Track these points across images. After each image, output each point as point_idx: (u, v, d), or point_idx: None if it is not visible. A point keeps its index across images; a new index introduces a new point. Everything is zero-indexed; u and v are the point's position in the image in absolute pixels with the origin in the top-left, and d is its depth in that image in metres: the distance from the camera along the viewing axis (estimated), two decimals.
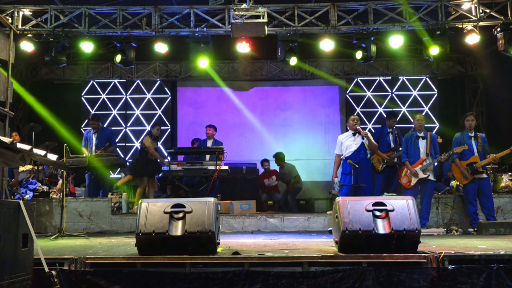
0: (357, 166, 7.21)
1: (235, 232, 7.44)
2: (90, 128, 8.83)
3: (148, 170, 8.75)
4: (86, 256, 3.86)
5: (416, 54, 11.55)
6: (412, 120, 11.82)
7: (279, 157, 10.48)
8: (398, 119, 8.43)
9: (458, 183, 8.66)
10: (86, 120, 12.10)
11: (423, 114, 12.05)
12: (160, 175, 9.91)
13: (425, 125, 7.68)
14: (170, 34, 9.20)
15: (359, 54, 9.09)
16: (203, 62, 9.34)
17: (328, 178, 9.27)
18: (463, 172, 7.18)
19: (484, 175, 7.18)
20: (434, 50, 8.90)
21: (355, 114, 12.13)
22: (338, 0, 9.13)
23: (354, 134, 7.57)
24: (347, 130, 8.10)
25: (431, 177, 7.30)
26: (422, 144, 7.36)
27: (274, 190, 10.36)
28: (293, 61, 9.26)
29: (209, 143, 9.01)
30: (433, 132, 7.93)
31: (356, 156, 7.41)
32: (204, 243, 3.86)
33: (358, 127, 7.44)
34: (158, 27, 9.09)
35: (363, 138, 7.47)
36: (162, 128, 12.12)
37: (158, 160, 8.83)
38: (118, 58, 9.17)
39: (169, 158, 8.45)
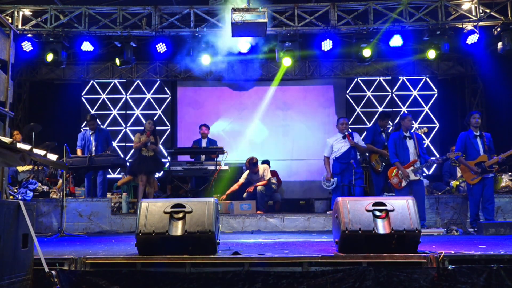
0: (354, 166, 7.35)
1: (235, 232, 7.44)
2: (87, 129, 8.82)
3: (143, 167, 8.48)
4: (86, 256, 3.86)
5: (416, 54, 11.54)
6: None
7: (254, 162, 9.17)
8: (390, 120, 8.42)
9: (458, 183, 8.67)
10: (85, 122, 12.14)
11: (423, 114, 12.10)
12: (161, 173, 9.90)
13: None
14: (170, 34, 9.21)
15: (366, 52, 9.07)
16: (206, 59, 9.35)
17: None
18: (473, 168, 7.08)
19: (491, 174, 7.16)
20: (432, 54, 8.99)
21: (355, 114, 12.17)
22: (338, 0, 9.14)
23: (344, 137, 7.70)
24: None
25: (422, 178, 7.33)
26: (411, 144, 7.33)
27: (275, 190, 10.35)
28: (287, 61, 9.32)
29: (204, 143, 8.99)
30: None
31: (347, 157, 7.60)
32: (204, 243, 3.86)
33: (347, 132, 7.59)
34: (158, 27, 9.09)
35: (353, 139, 7.61)
36: (162, 128, 12.19)
37: (159, 156, 8.69)
38: (118, 62, 9.23)
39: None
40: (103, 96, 12.31)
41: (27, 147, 3.65)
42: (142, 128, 12.02)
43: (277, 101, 12.24)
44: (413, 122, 7.53)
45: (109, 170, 10.82)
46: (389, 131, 8.62)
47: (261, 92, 12.28)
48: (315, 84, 12.30)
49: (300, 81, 12.26)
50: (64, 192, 6.92)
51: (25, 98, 11.94)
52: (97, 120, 9.27)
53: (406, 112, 11.81)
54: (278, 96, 12.25)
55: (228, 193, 8.95)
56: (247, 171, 9.25)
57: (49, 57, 9.02)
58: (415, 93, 12.26)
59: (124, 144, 12.11)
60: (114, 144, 11.56)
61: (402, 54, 10.62)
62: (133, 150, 8.69)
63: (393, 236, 3.85)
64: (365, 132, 11.08)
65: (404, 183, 7.25)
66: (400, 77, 12.23)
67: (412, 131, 7.58)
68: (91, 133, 8.69)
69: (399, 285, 3.66)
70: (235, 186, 9.12)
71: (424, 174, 7.98)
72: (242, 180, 9.20)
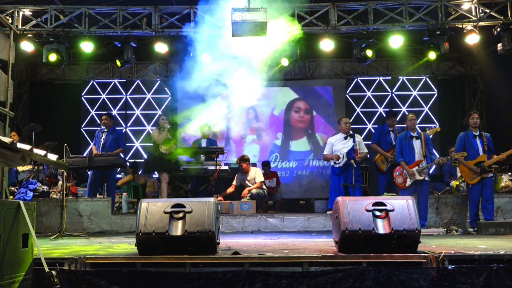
0: (354, 165, 7.35)
1: (235, 232, 7.43)
2: (101, 127, 8.77)
3: (165, 165, 8.13)
4: (86, 256, 3.86)
5: (416, 54, 11.56)
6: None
7: (245, 159, 9.21)
8: (398, 119, 8.41)
9: (458, 183, 8.67)
10: (88, 118, 12.15)
11: (423, 114, 12.10)
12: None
13: (425, 125, 7.70)
14: (170, 34, 9.21)
15: (367, 52, 9.08)
16: (206, 58, 9.37)
17: (328, 178, 9.30)
18: (472, 168, 7.09)
19: (490, 174, 7.16)
20: (432, 55, 9.03)
21: (355, 114, 12.18)
22: (338, 0, 9.14)
23: (345, 138, 7.70)
24: None
25: (427, 178, 7.32)
26: (417, 144, 7.33)
27: (274, 191, 10.37)
28: (285, 61, 9.38)
29: (204, 143, 8.97)
30: (429, 131, 7.91)
31: (347, 158, 7.58)
32: (204, 243, 3.86)
33: (352, 140, 7.62)
34: (158, 27, 9.10)
35: (354, 141, 7.59)
36: None
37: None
38: (118, 62, 9.25)
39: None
40: (103, 96, 12.32)
41: (27, 147, 3.65)
42: (144, 128, 12.22)
43: (277, 101, 12.23)
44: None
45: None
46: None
47: (261, 92, 12.27)
48: (315, 84, 12.30)
49: (300, 81, 12.27)
50: (64, 192, 6.91)
51: (25, 98, 11.95)
52: (113, 120, 9.10)
53: (406, 112, 11.83)
54: (278, 96, 12.26)
55: (225, 195, 8.96)
56: (237, 174, 9.25)
57: (52, 57, 9.02)
58: (415, 93, 12.26)
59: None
60: None
61: (402, 54, 10.62)
62: (153, 145, 8.34)
63: (393, 236, 3.85)
64: (365, 132, 11.13)
65: (408, 183, 7.25)
66: (400, 77, 12.23)
67: (426, 131, 7.64)
68: (103, 131, 8.62)
69: (399, 285, 3.66)
70: (230, 189, 9.14)
71: None
72: (234, 183, 9.23)
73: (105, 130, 8.58)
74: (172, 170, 8.33)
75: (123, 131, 12.18)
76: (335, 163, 7.76)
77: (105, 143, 8.47)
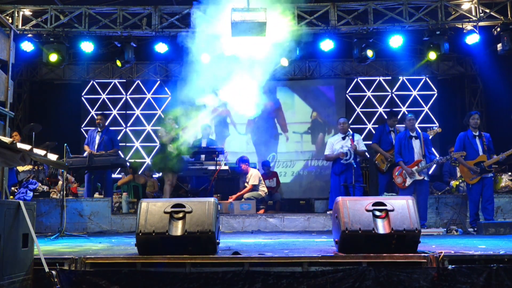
0: (354, 166, 7.35)
1: (235, 232, 7.44)
2: (95, 128, 8.77)
3: (171, 166, 8.06)
4: (86, 256, 3.86)
5: (416, 54, 11.55)
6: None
7: (244, 159, 9.37)
8: (398, 118, 8.41)
9: (458, 183, 8.67)
10: (88, 118, 12.15)
11: (423, 114, 12.10)
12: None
13: (425, 125, 7.70)
14: (170, 34, 9.21)
15: (367, 52, 9.09)
16: (205, 57, 9.38)
17: (328, 178, 9.29)
18: (472, 168, 7.09)
19: (490, 174, 7.16)
20: (432, 55, 9.03)
21: (355, 114, 12.17)
22: (338, 0, 9.14)
23: (343, 138, 7.72)
24: None
25: (426, 178, 7.32)
26: (416, 144, 7.34)
27: (274, 191, 10.37)
28: (284, 61, 9.48)
29: (204, 143, 8.97)
30: (429, 132, 7.92)
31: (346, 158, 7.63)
32: (204, 243, 3.87)
33: (350, 137, 7.62)
34: (158, 27, 9.10)
35: (353, 140, 7.60)
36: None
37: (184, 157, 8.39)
38: (119, 63, 9.25)
39: None
40: (103, 96, 12.32)
41: (27, 147, 3.65)
42: (144, 128, 12.20)
43: (277, 101, 12.22)
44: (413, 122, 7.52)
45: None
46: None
47: (260, 91, 12.25)
48: (315, 84, 12.29)
49: (300, 81, 12.26)
50: (64, 192, 6.91)
51: (25, 98, 11.94)
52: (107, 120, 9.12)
53: (406, 112, 11.81)
54: (278, 96, 12.25)
55: (238, 196, 8.98)
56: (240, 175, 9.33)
57: (52, 57, 9.03)
58: (415, 93, 12.26)
59: (124, 144, 12.09)
60: None
61: (402, 54, 10.62)
62: (164, 146, 8.31)
63: (393, 236, 3.85)
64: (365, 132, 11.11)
65: (408, 183, 7.26)
66: (400, 77, 12.23)
67: (427, 131, 7.66)
68: (97, 131, 8.62)
69: (399, 285, 3.66)
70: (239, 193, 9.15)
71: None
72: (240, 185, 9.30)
73: (100, 130, 8.60)
74: (179, 170, 8.31)
75: (123, 131, 12.19)
76: (340, 159, 7.74)
77: (101, 143, 8.49)
